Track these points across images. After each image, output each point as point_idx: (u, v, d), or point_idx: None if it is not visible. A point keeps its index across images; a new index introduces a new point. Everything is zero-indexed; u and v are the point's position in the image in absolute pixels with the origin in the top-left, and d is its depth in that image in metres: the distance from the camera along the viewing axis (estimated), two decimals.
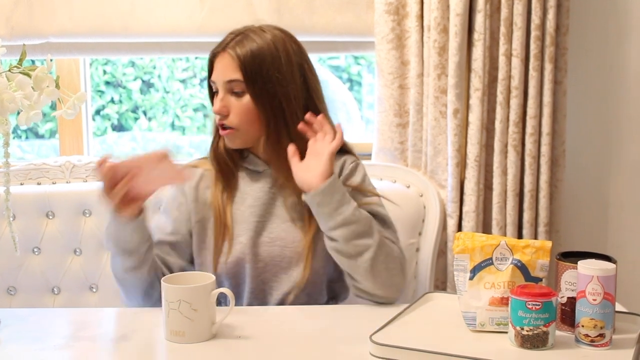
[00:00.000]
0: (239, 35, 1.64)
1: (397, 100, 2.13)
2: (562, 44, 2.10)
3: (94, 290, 2.03)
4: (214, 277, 1.41)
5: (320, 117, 1.62)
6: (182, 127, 3.59)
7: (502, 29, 2.05)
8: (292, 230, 1.64)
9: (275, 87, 1.61)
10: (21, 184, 2.07)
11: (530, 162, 2.10)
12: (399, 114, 2.14)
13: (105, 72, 3.50)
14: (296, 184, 1.60)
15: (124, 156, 1.46)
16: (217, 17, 2.11)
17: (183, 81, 3.55)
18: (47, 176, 2.09)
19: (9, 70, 1.37)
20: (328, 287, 1.71)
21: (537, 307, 1.27)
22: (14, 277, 2.01)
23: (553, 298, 1.28)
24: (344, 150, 1.70)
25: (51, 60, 1.38)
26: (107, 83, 3.52)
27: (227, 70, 1.62)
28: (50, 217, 2.04)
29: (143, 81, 3.54)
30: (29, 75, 1.35)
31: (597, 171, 2.29)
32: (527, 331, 1.28)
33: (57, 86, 1.38)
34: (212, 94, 1.69)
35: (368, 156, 2.23)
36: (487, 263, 1.38)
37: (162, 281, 1.38)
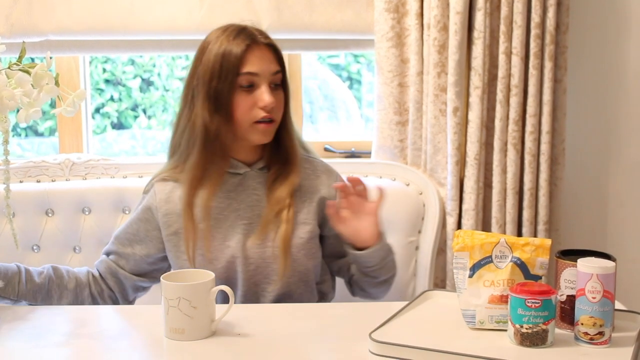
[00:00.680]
0: (255, 29, 1.64)
1: (396, 98, 2.13)
2: (562, 42, 2.10)
3: None
4: (213, 274, 1.41)
5: (355, 177, 1.61)
6: None
7: (502, 27, 2.05)
8: None
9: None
10: (21, 182, 2.07)
11: (530, 161, 2.10)
12: (398, 112, 2.14)
13: (104, 70, 3.50)
14: (293, 180, 1.65)
15: None
16: (217, 15, 2.11)
17: (182, 79, 3.55)
18: (47, 174, 2.09)
19: (9, 68, 1.37)
20: (318, 290, 1.71)
21: (537, 305, 1.27)
22: None
23: (552, 296, 1.28)
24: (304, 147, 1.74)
25: (51, 57, 1.38)
26: (107, 81, 3.51)
27: (272, 62, 1.62)
28: (50, 214, 2.04)
29: (143, 79, 3.54)
30: (28, 73, 1.35)
31: (596, 169, 2.29)
32: (526, 329, 1.28)
33: (57, 84, 1.38)
34: (231, 87, 1.60)
35: (368, 154, 2.23)
36: (486, 261, 1.38)
37: (161, 279, 1.38)
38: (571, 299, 1.34)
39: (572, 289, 1.34)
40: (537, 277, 1.37)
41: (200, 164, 1.63)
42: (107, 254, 1.71)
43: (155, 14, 2.12)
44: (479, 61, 2.06)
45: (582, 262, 1.30)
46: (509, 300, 1.31)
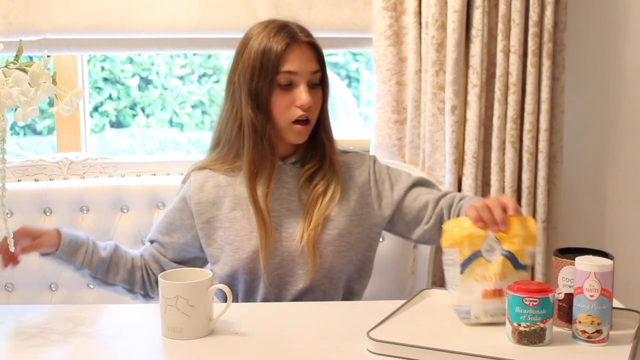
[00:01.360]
0: (297, 26, 1.63)
1: (395, 96, 2.13)
2: (560, 40, 2.10)
3: (92, 286, 2.03)
4: (211, 273, 1.41)
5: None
6: (180, 124, 3.59)
7: (500, 26, 2.05)
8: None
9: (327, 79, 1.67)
10: (19, 181, 2.07)
11: (528, 159, 2.10)
12: (396, 111, 2.14)
13: (103, 68, 3.50)
14: (329, 178, 1.66)
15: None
16: (215, 13, 2.11)
17: (181, 78, 3.55)
18: (45, 173, 2.09)
19: (6, 66, 1.37)
20: (346, 286, 1.71)
21: (535, 303, 1.27)
22: (11, 274, 2.01)
23: (550, 294, 1.28)
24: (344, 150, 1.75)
25: (48, 56, 1.38)
26: (105, 80, 3.51)
27: (311, 61, 1.62)
28: (48, 213, 2.03)
29: (141, 78, 3.54)
30: (25, 72, 1.35)
31: (594, 167, 2.29)
32: (524, 327, 1.28)
33: (54, 82, 1.37)
34: (270, 86, 1.60)
35: (366, 153, 2.23)
36: (476, 255, 1.38)
37: (159, 277, 1.38)
38: (569, 297, 1.34)
39: (570, 287, 1.34)
40: (525, 267, 1.38)
41: (254, 160, 1.64)
42: (151, 241, 1.75)
43: (154, 12, 2.11)
44: (477, 59, 2.06)
45: (580, 260, 1.30)
46: (507, 298, 1.31)
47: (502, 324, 1.33)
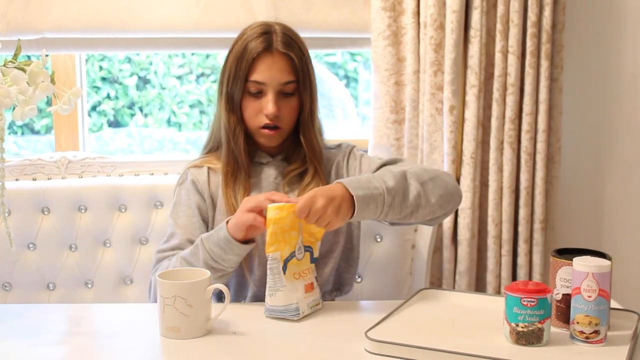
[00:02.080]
0: (279, 35, 1.63)
1: (393, 96, 2.13)
2: (558, 41, 2.10)
3: (90, 286, 2.03)
4: (209, 273, 1.41)
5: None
6: (178, 124, 3.58)
7: (499, 26, 2.05)
8: None
9: (314, 87, 1.68)
10: (16, 180, 2.07)
11: (526, 159, 2.10)
12: (395, 111, 2.14)
13: (101, 68, 3.50)
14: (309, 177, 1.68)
15: None
16: (213, 13, 2.10)
17: (179, 77, 3.55)
18: (43, 172, 2.09)
19: (4, 66, 1.37)
20: (336, 276, 1.74)
21: (532, 303, 1.27)
22: (9, 273, 2.01)
23: (548, 295, 1.29)
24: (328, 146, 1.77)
25: (47, 55, 1.38)
26: (103, 79, 3.51)
27: (283, 72, 1.62)
28: (46, 212, 2.03)
29: (139, 77, 3.53)
30: (24, 70, 1.35)
31: (592, 168, 2.29)
32: (522, 328, 1.28)
33: (53, 81, 1.37)
34: (241, 91, 1.64)
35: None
36: (291, 256, 1.46)
37: (157, 277, 1.38)
38: (567, 298, 1.34)
39: (567, 287, 1.34)
40: (316, 260, 1.51)
41: (227, 160, 1.68)
42: (180, 248, 1.66)
43: (152, 12, 2.11)
44: (476, 60, 2.06)
45: (577, 260, 1.30)
46: (505, 299, 1.31)
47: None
